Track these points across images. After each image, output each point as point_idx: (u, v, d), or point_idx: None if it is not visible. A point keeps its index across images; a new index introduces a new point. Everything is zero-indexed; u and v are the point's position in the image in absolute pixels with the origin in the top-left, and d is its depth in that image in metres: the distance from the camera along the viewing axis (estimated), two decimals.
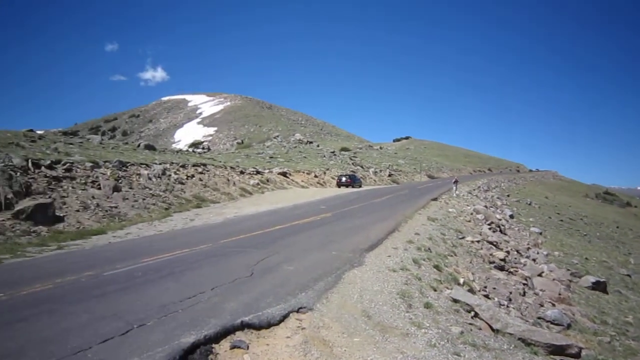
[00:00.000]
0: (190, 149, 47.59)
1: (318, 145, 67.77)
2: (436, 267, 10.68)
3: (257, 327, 5.92)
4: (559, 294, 13.88)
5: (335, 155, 58.36)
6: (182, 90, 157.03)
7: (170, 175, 22.93)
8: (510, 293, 11.77)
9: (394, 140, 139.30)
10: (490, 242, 17.02)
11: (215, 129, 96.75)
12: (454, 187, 36.65)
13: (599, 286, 17.46)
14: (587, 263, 23.56)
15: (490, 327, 7.81)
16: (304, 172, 40.51)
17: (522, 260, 17.16)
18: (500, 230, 22.30)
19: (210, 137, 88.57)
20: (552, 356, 7.37)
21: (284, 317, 6.30)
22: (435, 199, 26.88)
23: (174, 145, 78.34)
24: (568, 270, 18.88)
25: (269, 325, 6.03)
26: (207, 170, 27.16)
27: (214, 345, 5.34)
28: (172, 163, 25.33)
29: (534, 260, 18.65)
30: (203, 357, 5.10)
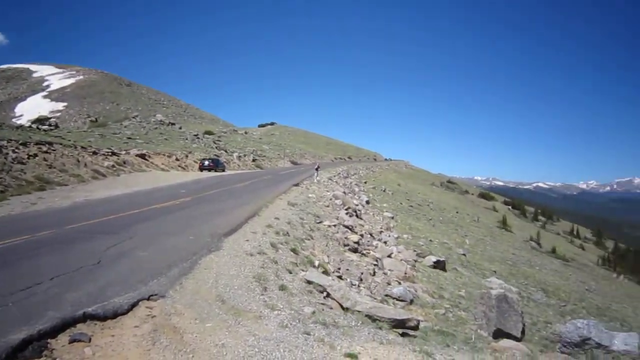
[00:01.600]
0: (34, 126, 42.70)
1: (180, 128, 65.14)
2: (293, 250, 10.95)
3: (102, 318, 5.57)
4: (405, 273, 15.11)
5: (198, 138, 56.67)
6: (26, 60, 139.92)
7: (7, 153, 20.39)
8: (362, 273, 12.52)
9: (259, 126, 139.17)
10: (346, 226, 17.89)
11: (65, 104, 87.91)
12: (315, 174, 37.75)
13: (439, 265, 19.35)
14: (431, 244, 25.92)
15: (341, 306, 8.23)
16: (164, 155, 38.72)
17: (375, 243, 18.31)
18: (357, 215, 23.53)
19: (59, 114, 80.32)
20: (395, 329, 7.98)
21: (133, 306, 6.02)
22: (296, 185, 27.49)
23: (14, 121, 69.75)
24: (414, 251, 20.60)
25: (115, 315, 5.71)
26: (54, 150, 24.58)
27: (49, 340, 4.91)
28: (11, 140, 22.52)
29: (385, 242, 20.00)
30: (36, 354, 4.66)
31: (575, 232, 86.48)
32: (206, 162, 39.80)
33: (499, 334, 10.45)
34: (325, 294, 8.50)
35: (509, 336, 10.41)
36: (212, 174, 36.28)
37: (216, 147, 54.10)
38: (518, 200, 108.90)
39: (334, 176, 43.86)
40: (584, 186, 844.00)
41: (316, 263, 10.70)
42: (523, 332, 11.41)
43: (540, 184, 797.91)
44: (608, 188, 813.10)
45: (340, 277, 11.05)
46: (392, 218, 30.61)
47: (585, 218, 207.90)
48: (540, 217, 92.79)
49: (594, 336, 7.25)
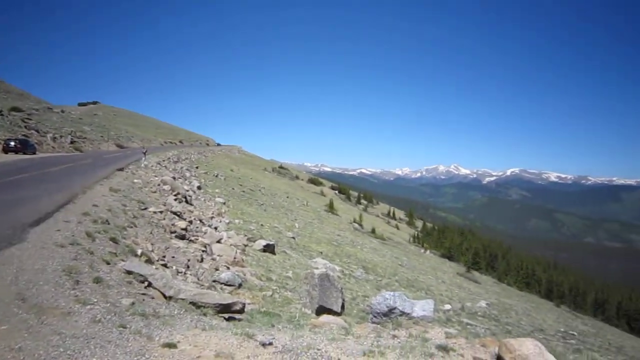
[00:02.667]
0: None
1: None
2: (113, 239, 10.20)
3: None
4: (235, 258, 15.15)
5: (3, 115, 49.39)
6: None
7: None
8: (189, 260, 12.23)
9: (79, 104, 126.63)
10: (174, 213, 17.28)
11: None
12: (143, 158, 35.84)
13: (269, 248, 19.83)
14: (262, 229, 26.41)
15: (164, 295, 7.93)
16: None
17: (204, 229, 18.01)
18: (187, 201, 22.87)
19: None
20: (220, 314, 7.97)
21: None
22: (121, 170, 25.67)
23: None
24: (245, 235, 20.78)
25: None
26: None
27: None
28: None
29: (215, 228, 19.80)
30: None
31: (391, 214, 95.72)
32: (12, 143, 34.93)
33: (321, 311, 11.09)
34: (146, 283, 8.10)
35: (330, 312, 11.12)
36: (20, 156, 32.09)
37: (25, 127, 47.73)
38: (344, 185, 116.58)
39: (164, 161, 42.02)
40: (400, 172, 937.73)
41: (138, 252, 10.12)
42: (343, 307, 12.28)
43: (364, 170, 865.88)
44: (419, 174, 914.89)
45: (165, 266, 10.63)
46: (224, 204, 30.45)
47: (400, 201, 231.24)
48: (362, 201, 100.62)
49: (398, 305, 8.14)
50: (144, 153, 37.47)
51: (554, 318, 36.03)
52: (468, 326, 16.58)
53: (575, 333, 27.68)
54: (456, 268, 52.12)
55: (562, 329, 28.19)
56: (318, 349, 5.84)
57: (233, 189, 42.58)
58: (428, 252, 59.72)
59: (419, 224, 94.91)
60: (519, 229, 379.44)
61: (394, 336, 6.81)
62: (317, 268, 17.39)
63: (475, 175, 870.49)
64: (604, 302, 59.66)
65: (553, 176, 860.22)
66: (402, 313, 8.01)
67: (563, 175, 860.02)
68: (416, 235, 71.94)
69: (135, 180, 22.07)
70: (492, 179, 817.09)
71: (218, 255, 14.70)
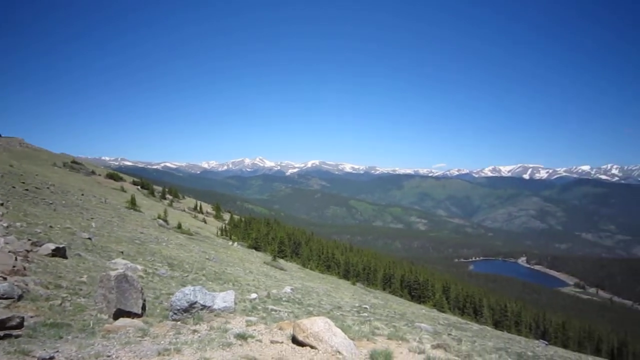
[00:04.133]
0: None
1: None
2: None
3: None
4: (14, 267, 13.28)
5: None
6: None
7: None
8: None
9: None
10: None
11: None
12: None
13: (59, 252, 17.83)
14: (52, 231, 23.65)
15: None
16: None
17: None
18: None
19: None
20: None
21: None
22: None
23: None
24: (29, 240, 18.34)
25: None
26: None
27: None
28: None
29: None
30: None
31: (199, 208, 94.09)
32: None
33: (119, 314, 10.41)
34: None
35: (130, 314, 10.51)
36: None
37: None
38: (147, 180, 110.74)
39: None
40: (206, 165, 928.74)
41: None
42: (144, 307, 11.70)
43: (168, 164, 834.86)
44: (225, 167, 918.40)
45: None
46: (2, 204, 26.45)
47: (207, 194, 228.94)
48: (168, 196, 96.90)
49: (199, 300, 8.09)
50: None
51: (350, 295, 39.67)
52: (272, 312, 17.24)
53: (368, 306, 30.94)
54: (263, 257, 53.75)
55: (357, 304, 31.21)
56: (108, 356, 5.50)
57: (13, 187, 37.22)
58: (236, 244, 60.32)
59: (227, 216, 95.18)
60: (319, 216, 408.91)
61: (195, 331, 6.77)
62: (117, 269, 16.24)
63: (279, 167, 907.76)
64: (391, 277, 67.61)
65: (348, 167, 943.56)
66: (204, 307, 7.97)
67: (356, 166, 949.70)
68: (224, 228, 71.98)
69: None
70: (295, 170, 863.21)
71: None
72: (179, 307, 7.95)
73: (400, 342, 7.55)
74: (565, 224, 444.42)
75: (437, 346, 7.47)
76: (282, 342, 6.50)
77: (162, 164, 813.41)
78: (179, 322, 7.56)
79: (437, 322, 30.58)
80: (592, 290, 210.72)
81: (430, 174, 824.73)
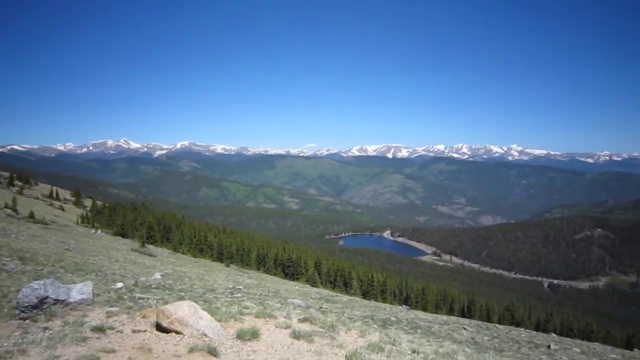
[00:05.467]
0: None
1: None
2: None
3: None
4: None
5: None
6: None
7: None
8: None
9: None
10: None
11: None
12: None
13: None
14: None
15: None
16: None
17: None
18: None
19: None
20: None
21: None
22: None
23: None
24: None
25: None
26: None
27: None
28: None
29: None
30: None
31: (55, 195, 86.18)
32: None
33: None
34: None
35: None
36: None
37: None
38: None
39: None
40: (62, 148, 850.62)
41: None
42: None
43: (16, 147, 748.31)
44: (85, 149, 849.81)
45: None
46: None
47: (65, 179, 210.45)
48: (16, 182, 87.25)
49: (51, 294, 7.40)
50: None
51: (224, 277, 39.32)
52: (140, 300, 16.46)
53: (242, 287, 30.92)
54: (131, 244, 50.96)
55: (230, 286, 31.02)
56: None
57: None
58: (99, 232, 56.43)
59: (88, 203, 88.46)
60: (191, 199, 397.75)
61: (46, 328, 6.22)
62: None
63: (146, 149, 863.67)
64: (265, 257, 68.19)
65: (219, 148, 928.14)
66: (57, 301, 7.31)
67: (228, 147, 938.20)
68: (85, 215, 66.87)
69: None
70: (163, 152, 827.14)
71: None
72: (27, 304, 7.19)
73: (267, 319, 7.68)
74: (424, 199, 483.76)
75: (304, 320, 7.73)
76: (145, 331, 6.23)
77: (9, 147, 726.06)
78: (27, 321, 6.87)
79: (309, 296, 31.62)
80: (447, 257, 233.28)
81: (301, 154, 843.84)
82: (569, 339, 37.91)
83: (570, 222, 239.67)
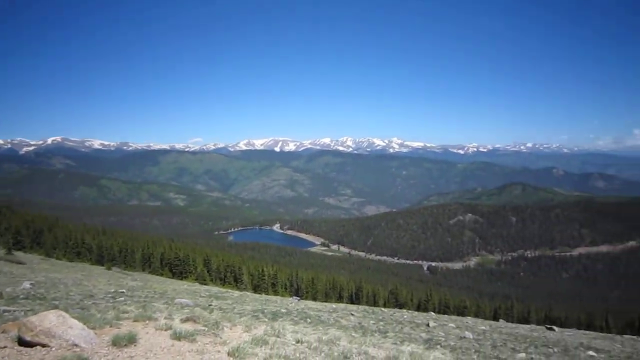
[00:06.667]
0: None
1: None
2: None
3: None
4: None
5: None
6: None
7: None
8: None
9: None
10: None
11: None
12: None
13: None
14: None
15: None
16: None
17: None
18: None
19: None
20: None
21: None
22: None
23: None
24: None
25: None
26: None
27: None
28: None
29: None
30: None
31: None
32: None
33: None
34: None
35: None
36: None
37: None
38: None
39: None
40: None
41: None
42: None
43: None
44: None
45: None
46: None
47: None
48: None
49: None
50: None
51: (105, 281, 37.00)
52: (5, 314, 14.97)
53: (125, 290, 29.29)
54: None
55: (112, 290, 29.26)
56: None
57: None
58: None
59: None
60: (66, 198, 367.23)
61: None
62: None
63: (10, 146, 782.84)
64: (150, 256, 65.24)
65: (97, 143, 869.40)
66: None
67: (106, 142, 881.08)
68: None
69: None
70: (31, 148, 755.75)
71: None
72: None
73: (147, 322, 7.34)
74: (312, 191, 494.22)
75: (187, 319, 7.50)
76: (4, 347, 5.63)
77: None
78: None
79: (198, 295, 30.90)
80: (335, 247, 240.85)
81: (187, 149, 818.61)
82: (446, 315, 41.13)
83: (445, 208, 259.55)
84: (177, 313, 8.50)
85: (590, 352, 18.88)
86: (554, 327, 32.56)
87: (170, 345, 6.27)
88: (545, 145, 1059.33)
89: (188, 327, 7.07)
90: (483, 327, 26.40)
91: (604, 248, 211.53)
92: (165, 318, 7.64)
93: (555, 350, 18.85)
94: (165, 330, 6.88)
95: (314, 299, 62.19)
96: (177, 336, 6.52)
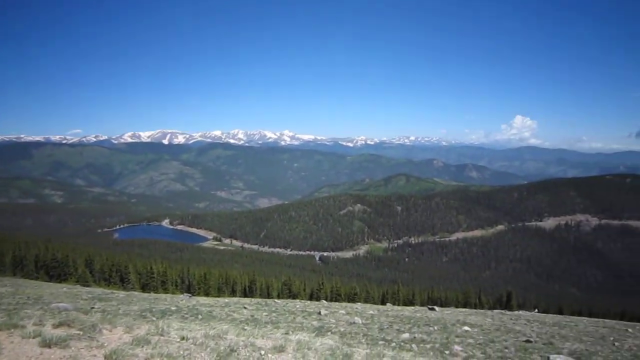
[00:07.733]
0: None
1: None
2: None
3: None
4: None
5: None
6: None
7: None
8: None
9: None
10: None
11: None
12: None
13: None
14: None
15: None
16: None
17: None
18: None
19: None
20: None
21: None
22: None
23: None
24: None
25: None
26: None
27: None
28: None
29: None
30: None
31: None
32: None
33: None
34: None
35: None
36: None
37: None
38: None
39: None
40: None
41: None
42: None
43: None
44: None
45: None
46: None
47: None
48: None
49: None
50: None
51: None
52: None
53: None
54: None
55: None
56: None
57: None
58: None
59: None
60: None
61: None
62: None
63: None
64: (23, 259, 59.62)
65: None
66: None
67: None
68: None
69: None
70: None
71: None
72: None
73: (12, 330, 6.63)
74: (203, 185, 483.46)
75: (59, 324, 6.90)
76: None
77: None
78: None
79: (80, 298, 28.86)
80: (227, 241, 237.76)
81: (64, 141, 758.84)
82: (337, 303, 42.38)
83: (335, 200, 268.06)
84: (50, 318, 7.79)
85: (466, 327, 20.58)
86: (435, 307, 35.03)
87: (38, 354, 5.72)
88: (426, 139, 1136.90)
89: (60, 332, 6.51)
90: (372, 312, 27.58)
91: (477, 232, 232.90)
92: (34, 324, 6.96)
93: (436, 328, 20.28)
94: (34, 337, 6.26)
95: (207, 294, 60.86)
96: (47, 343, 5.96)
